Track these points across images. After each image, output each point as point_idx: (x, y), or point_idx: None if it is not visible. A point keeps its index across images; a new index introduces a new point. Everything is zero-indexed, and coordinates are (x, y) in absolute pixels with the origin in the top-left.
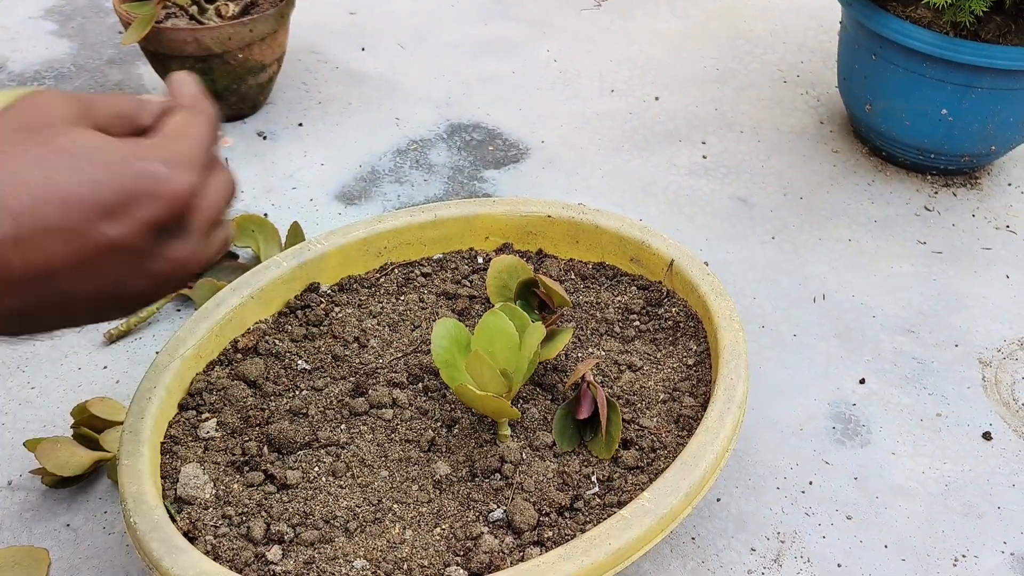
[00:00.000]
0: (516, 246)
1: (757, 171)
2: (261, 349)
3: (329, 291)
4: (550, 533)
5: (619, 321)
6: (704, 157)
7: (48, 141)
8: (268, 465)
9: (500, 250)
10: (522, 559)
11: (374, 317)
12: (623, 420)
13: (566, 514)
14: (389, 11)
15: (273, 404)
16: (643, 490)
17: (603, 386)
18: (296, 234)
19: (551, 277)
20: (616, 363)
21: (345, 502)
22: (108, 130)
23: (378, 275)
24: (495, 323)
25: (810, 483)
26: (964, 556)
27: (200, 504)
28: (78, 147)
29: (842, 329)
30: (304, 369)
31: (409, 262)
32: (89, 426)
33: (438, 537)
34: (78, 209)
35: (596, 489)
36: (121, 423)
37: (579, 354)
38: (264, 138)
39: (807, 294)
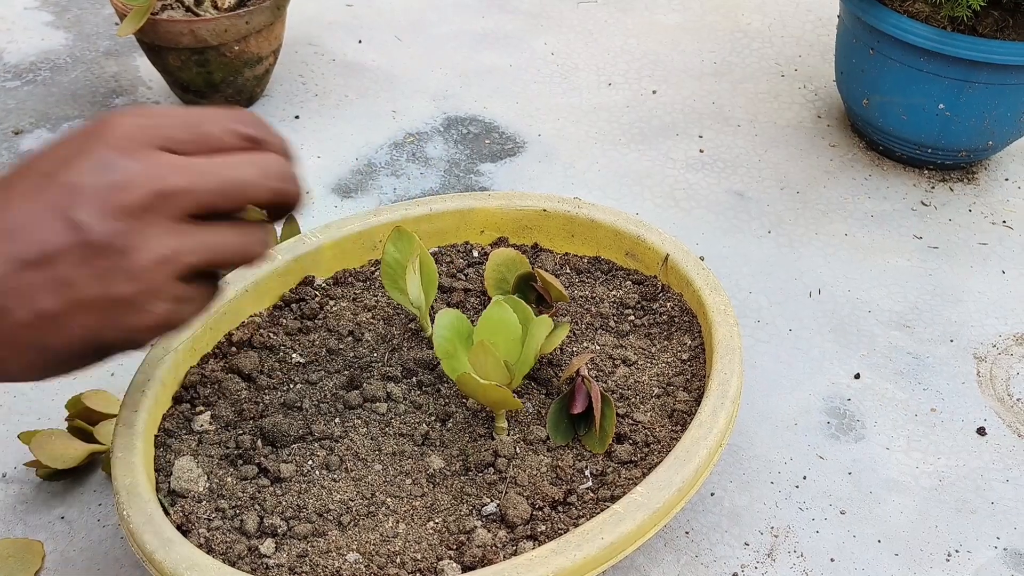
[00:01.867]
0: (512, 240)
1: (754, 165)
2: (255, 342)
3: (324, 284)
4: (543, 527)
5: (614, 316)
6: (701, 151)
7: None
8: (262, 458)
9: (496, 244)
10: (515, 553)
11: (369, 311)
12: (617, 415)
13: (559, 508)
14: (386, 3)
15: (267, 397)
16: (636, 484)
17: (597, 381)
18: (292, 227)
19: (546, 271)
20: (611, 358)
21: (338, 495)
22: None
23: (373, 269)
24: (498, 315)
25: (804, 478)
26: (957, 551)
27: (194, 497)
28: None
29: (837, 324)
30: (298, 362)
31: None
32: (84, 419)
33: (431, 531)
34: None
35: (589, 483)
36: (115, 416)
37: (574, 348)
38: None
39: (803, 289)
